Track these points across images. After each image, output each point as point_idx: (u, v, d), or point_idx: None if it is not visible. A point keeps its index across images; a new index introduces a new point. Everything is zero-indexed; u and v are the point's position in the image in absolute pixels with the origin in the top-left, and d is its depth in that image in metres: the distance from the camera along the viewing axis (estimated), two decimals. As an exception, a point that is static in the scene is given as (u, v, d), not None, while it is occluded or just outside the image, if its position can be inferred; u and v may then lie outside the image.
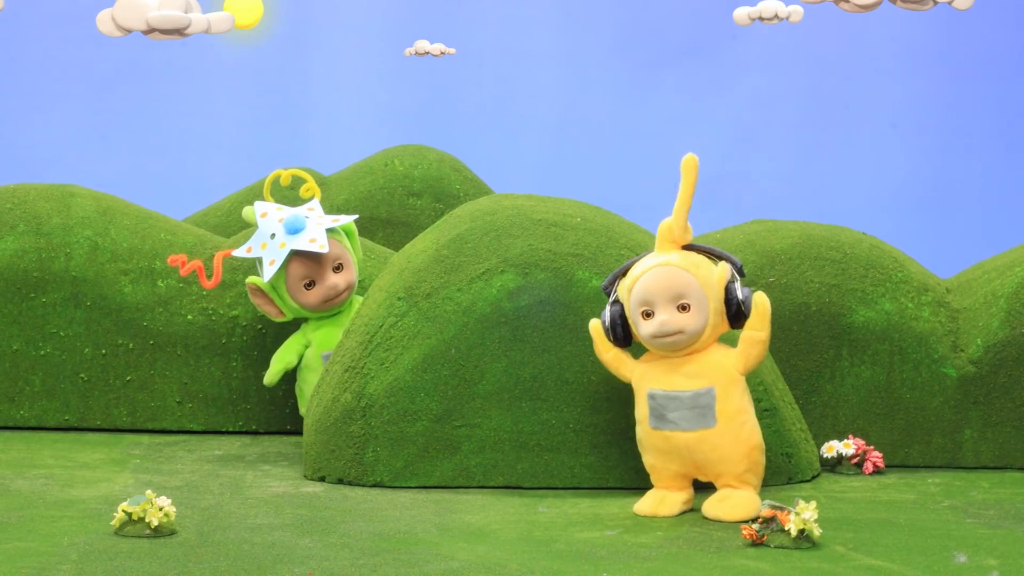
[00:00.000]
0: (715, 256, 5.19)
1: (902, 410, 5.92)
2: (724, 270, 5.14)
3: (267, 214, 6.17)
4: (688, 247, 5.18)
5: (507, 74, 10.90)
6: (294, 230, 6.09)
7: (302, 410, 6.20)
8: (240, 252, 6.17)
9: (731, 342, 5.28)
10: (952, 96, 10.64)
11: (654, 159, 10.72)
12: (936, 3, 5.80)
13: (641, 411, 5.22)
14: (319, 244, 6.05)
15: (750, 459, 5.17)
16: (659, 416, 5.16)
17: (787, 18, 6.96)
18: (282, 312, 6.19)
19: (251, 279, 6.13)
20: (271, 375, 6.17)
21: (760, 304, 5.13)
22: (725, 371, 5.15)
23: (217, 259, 6.19)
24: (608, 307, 5.23)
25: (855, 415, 5.94)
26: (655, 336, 5.12)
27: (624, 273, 5.23)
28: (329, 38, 10.93)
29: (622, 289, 5.20)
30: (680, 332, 5.10)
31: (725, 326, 5.18)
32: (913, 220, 10.37)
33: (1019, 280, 5.94)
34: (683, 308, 5.10)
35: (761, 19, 6.96)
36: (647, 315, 5.13)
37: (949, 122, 10.67)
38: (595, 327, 5.28)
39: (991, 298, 5.96)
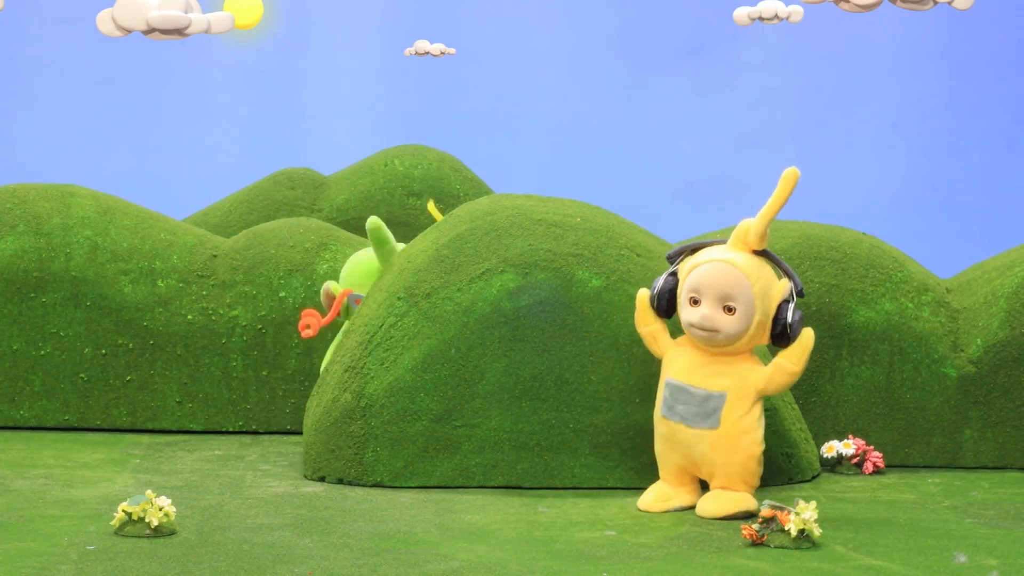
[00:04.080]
0: (781, 270, 5.19)
1: (902, 410, 5.92)
2: (783, 288, 5.14)
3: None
4: (760, 253, 5.18)
5: (507, 74, 10.91)
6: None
7: None
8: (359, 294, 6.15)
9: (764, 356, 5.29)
10: (952, 96, 10.64)
11: (654, 159, 10.73)
12: (936, 3, 5.80)
13: (659, 395, 5.25)
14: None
15: (745, 468, 5.18)
16: (669, 406, 5.20)
17: (787, 18, 6.97)
18: (333, 320, 6.12)
19: (330, 284, 6.09)
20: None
21: (804, 339, 5.13)
22: (744, 383, 5.15)
23: (340, 297, 6.10)
24: (664, 276, 5.24)
25: (855, 415, 5.94)
26: (692, 326, 5.14)
27: (694, 251, 5.24)
28: (329, 38, 10.94)
29: (684, 266, 5.21)
30: (717, 331, 5.11)
31: (764, 339, 5.17)
32: (913, 220, 10.37)
33: (1019, 280, 5.94)
34: (729, 310, 5.10)
35: (761, 19, 6.96)
36: (694, 302, 5.15)
37: (950, 122, 10.67)
38: (642, 297, 5.30)
39: (991, 298, 5.96)
